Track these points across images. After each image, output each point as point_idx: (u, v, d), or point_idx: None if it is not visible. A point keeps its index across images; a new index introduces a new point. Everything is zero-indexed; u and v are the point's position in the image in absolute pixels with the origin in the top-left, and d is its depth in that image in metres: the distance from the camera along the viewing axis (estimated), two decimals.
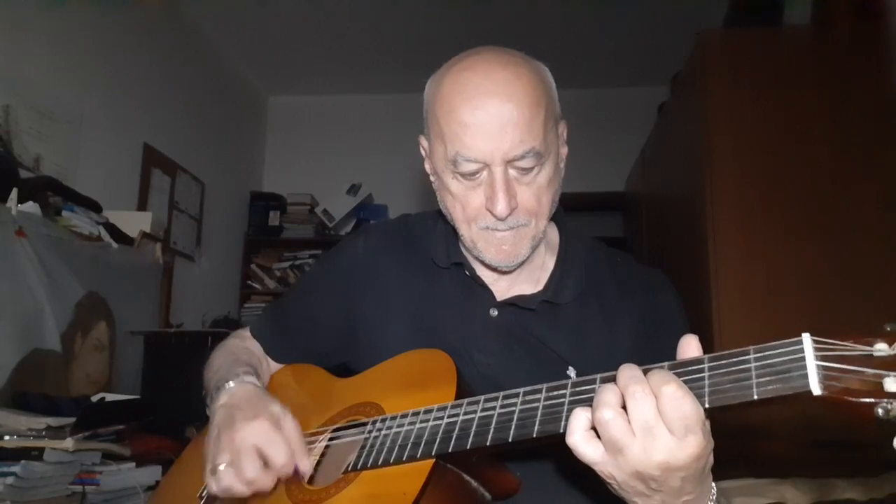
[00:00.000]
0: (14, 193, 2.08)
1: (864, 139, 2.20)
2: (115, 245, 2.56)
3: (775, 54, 2.33)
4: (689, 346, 0.64)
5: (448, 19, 3.77)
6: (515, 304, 0.95)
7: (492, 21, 3.79)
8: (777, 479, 1.55)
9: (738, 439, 1.88)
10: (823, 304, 2.04)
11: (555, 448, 0.88)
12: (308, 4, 3.68)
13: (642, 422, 0.58)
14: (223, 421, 0.86)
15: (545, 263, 0.99)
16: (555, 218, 1.01)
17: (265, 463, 0.81)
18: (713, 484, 0.67)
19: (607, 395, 0.60)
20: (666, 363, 0.64)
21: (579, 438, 0.62)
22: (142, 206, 3.21)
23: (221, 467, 0.80)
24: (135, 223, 2.78)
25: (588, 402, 0.64)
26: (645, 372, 0.61)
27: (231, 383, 0.94)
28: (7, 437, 1.58)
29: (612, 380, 0.63)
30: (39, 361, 2.11)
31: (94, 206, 2.54)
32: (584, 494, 0.87)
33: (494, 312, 0.95)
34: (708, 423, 0.62)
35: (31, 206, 2.14)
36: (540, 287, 0.96)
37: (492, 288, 0.97)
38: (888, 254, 2.07)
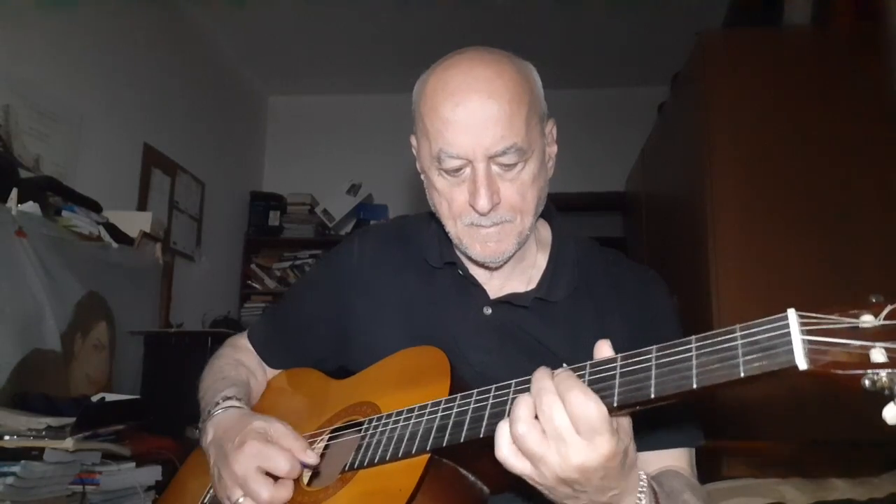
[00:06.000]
0: (14, 193, 2.07)
1: (864, 139, 2.20)
2: (115, 245, 2.56)
3: (775, 54, 2.33)
4: (602, 349, 0.68)
5: (448, 19, 3.77)
6: (509, 301, 0.95)
7: (492, 21, 3.78)
8: (777, 479, 1.55)
9: (739, 438, 1.89)
10: (824, 303, 2.03)
11: None
12: (308, 4, 3.68)
13: (552, 430, 0.61)
14: (218, 458, 0.87)
15: (537, 262, 1.00)
16: (547, 216, 1.02)
17: (274, 477, 0.82)
18: (641, 474, 0.69)
19: (521, 410, 0.63)
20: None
21: (508, 452, 0.64)
22: (142, 206, 3.21)
23: (241, 500, 0.81)
24: (135, 223, 2.78)
25: None
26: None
27: (215, 412, 0.94)
28: (7, 437, 1.58)
29: (602, 371, 0.65)
30: (39, 361, 2.11)
31: (94, 206, 2.54)
32: None
33: (488, 311, 0.96)
34: (623, 421, 0.64)
35: (31, 206, 2.13)
36: (533, 285, 0.97)
37: (485, 286, 0.97)
38: (889, 253, 2.07)
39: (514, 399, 0.70)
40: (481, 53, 0.88)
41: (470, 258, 0.94)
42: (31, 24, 2.54)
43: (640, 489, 0.67)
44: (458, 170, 0.86)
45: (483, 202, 0.84)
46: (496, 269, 0.96)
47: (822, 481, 1.51)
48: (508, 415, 0.69)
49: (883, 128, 2.18)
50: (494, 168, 0.86)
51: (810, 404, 1.91)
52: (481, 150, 0.83)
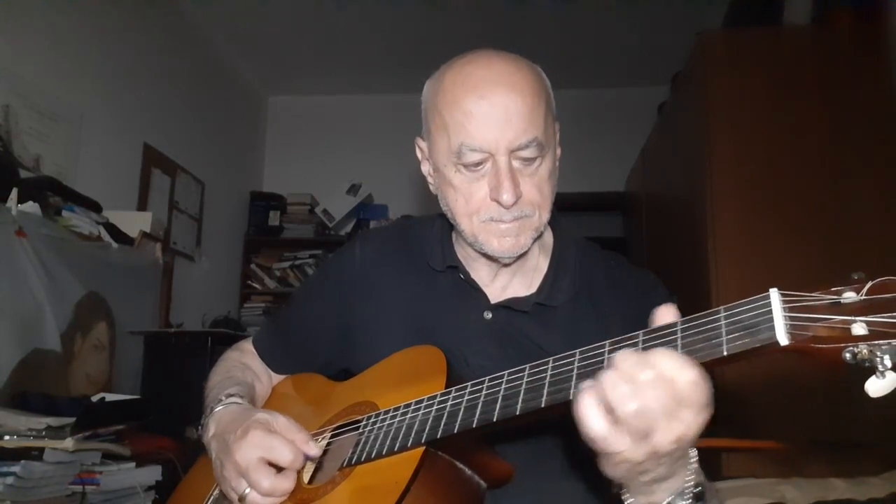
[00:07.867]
0: (14, 193, 2.08)
1: (864, 139, 2.20)
2: (115, 245, 2.56)
3: (775, 54, 2.33)
4: (666, 315, 0.64)
5: (448, 19, 3.77)
6: (509, 306, 0.95)
7: (492, 21, 3.79)
8: (777, 479, 1.55)
9: (739, 438, 1.89)
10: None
11: (546, 433, 0.87)
12: (308, 4, 3.68)
13: (659, 407, 0.57)
14: (220, 450, 0.87)
15: (539, 265, 1.00)
16: (549, 219, 1.02)
17: (276, 468, 0.82)
18: (694, 450, 0.65)
19: (624, 387, 0.57)
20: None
21: (604, 429, 0.58)
22: (142, 206, 3.21)
23: (247, 491, 0.81)
24: (135, 223, 2.78)
25: (568, 381, 0.65)
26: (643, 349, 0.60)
27: (216, 408, 0.94)
28: (7, 437, 1.58)
29: (592, 362, 0.64)
30: (39, 361, 2.11)
31: (94, 206, 2.54)
32: (577, 480, 0.89)
33: (489, 315, 0.96)
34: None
35: (31, 206, 2.14)
36: (533, 289, 0.97)
37: (486, 290, 0.97)
38: (889, 253, 2.07)
39: (506, 388, 0.70)
40: (496, 51, 0.90)
41: (483, 253, 0.94)
42: (32, 24, 2.54)
43: (690, 458, 0.64)
44: (478, 164, 0.86)
45: (508, 195, 0.84)
46: (507, 265, 0.96)
47: (822, 481, 1.51)
48: (499, 402, 0.69)
49: (882, 127, 2.18)
50: (514, 163, 0.86)
51: (810, 404, 1.91)
52: (504, 143, 0.84)
